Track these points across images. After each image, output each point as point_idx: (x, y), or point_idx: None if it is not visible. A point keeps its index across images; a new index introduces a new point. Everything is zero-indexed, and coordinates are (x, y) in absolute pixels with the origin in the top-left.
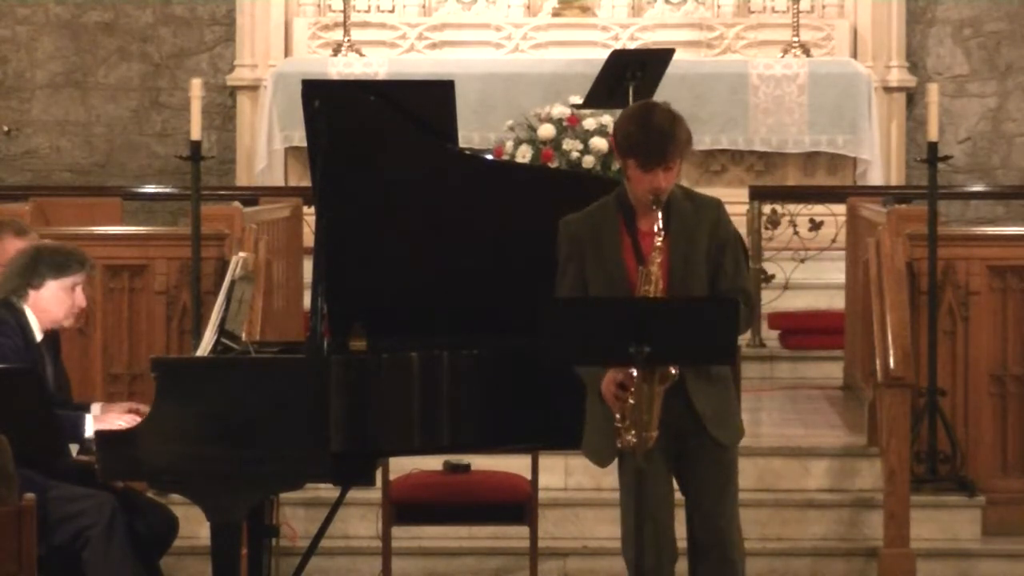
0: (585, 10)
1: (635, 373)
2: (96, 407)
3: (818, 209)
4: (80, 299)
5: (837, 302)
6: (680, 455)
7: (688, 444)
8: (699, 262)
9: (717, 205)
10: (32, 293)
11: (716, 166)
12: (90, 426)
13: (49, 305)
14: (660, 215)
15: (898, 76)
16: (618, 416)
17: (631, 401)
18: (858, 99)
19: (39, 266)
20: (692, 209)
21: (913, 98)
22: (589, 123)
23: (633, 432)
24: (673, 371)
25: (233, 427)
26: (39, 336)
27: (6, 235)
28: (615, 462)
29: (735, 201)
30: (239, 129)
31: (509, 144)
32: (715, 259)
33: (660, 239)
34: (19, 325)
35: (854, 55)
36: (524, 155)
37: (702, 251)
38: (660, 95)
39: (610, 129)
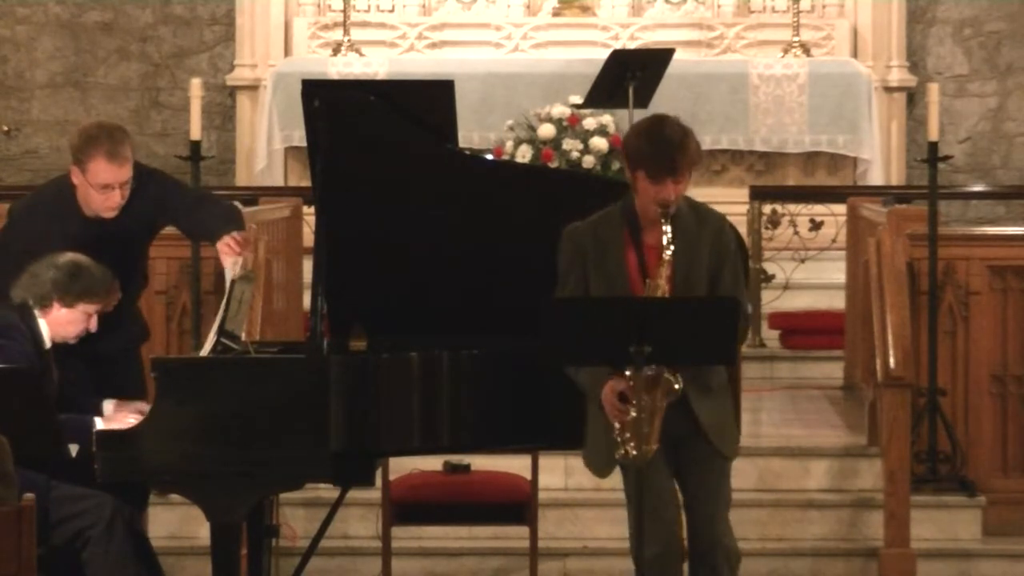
0: (585, 10)
1: (634, 384)
2: (108, 405)
3: (818, 209)
4: (93, 325)
5: (837, 302)
6: (678, 464)
7: (687, 453)
8: (700, 275)
9: (720, 219)
10: (56, 307)
11: (716, 166)
12: (100, 426)
13: (66, 323)
14: (668, 229)
15: (898, 76)
16: (617, 427)
17: (633, 414)
18: (858, 99)
19: (75, 286)
20: (695, 222)
21: (913, 98)
22: (589, 123)
23: (633, 444)
24: (677, 387)
25: (233, 427)
26: (48, 343)
27: (97, 155)
28: (615, 472)
29: (735, 201)
30: (239, 129)
31: (509, 144)
32: (714, 272)
33: (668, 253)
34: (30, 331)
35: (854, 55)
36: (524, 155)
37: (703, 264)
38: (660, 95)
39: (610, 129)
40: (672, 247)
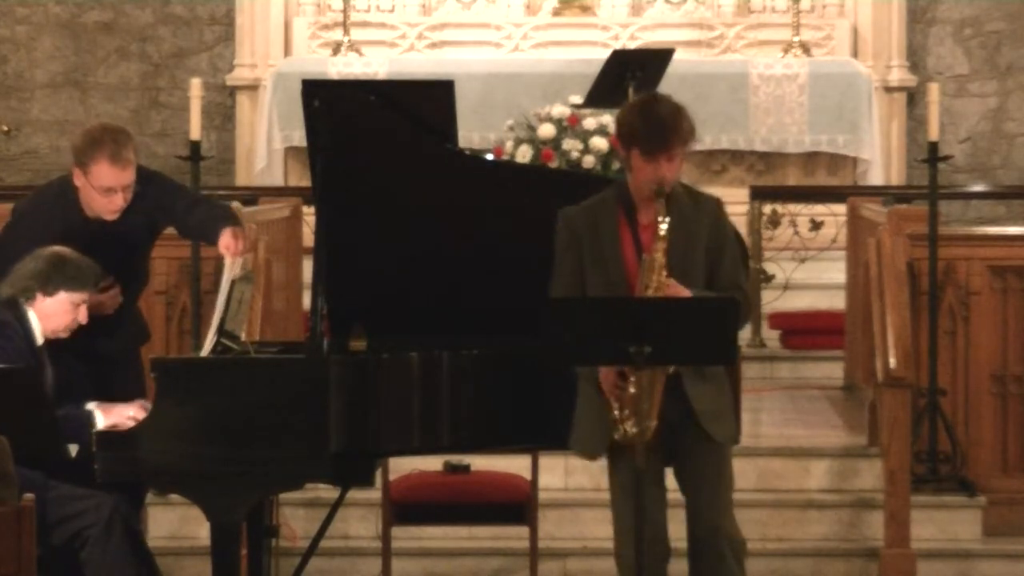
0: (585, 9)
1: None
2: (92, 405)
3: (818, 209)
4: (83, 316)
5: (837, 302)
6: (674, 451)
7: (682, 440)
8: (697, 258)
9: (717, 203)
10: (39, 297)
11: (716, 166)
12: (100, 420)
13: (54, 314)
14: (663, 203)
15: (898, 76)
16: (616, 406)
17: (632, 390)
18: (858, 99)
19: (57, 275)
20: (692, 206)
21: (914, 98)
22: (589, 123)
23: (632, 421)
24: None
25: (233, 427)
26: (40, 340)
27: (100, 158)
28: (604, 459)
29: (735, 201)
30: (239, 129)
31: (509, 144)
32: (713, 257)
33: (664, 226)
34: (22, 327)
35: (854, 55)
36: (524, 155)
37: (700, 247)
38: None
39: (610, 129)
40: (667, 219)
